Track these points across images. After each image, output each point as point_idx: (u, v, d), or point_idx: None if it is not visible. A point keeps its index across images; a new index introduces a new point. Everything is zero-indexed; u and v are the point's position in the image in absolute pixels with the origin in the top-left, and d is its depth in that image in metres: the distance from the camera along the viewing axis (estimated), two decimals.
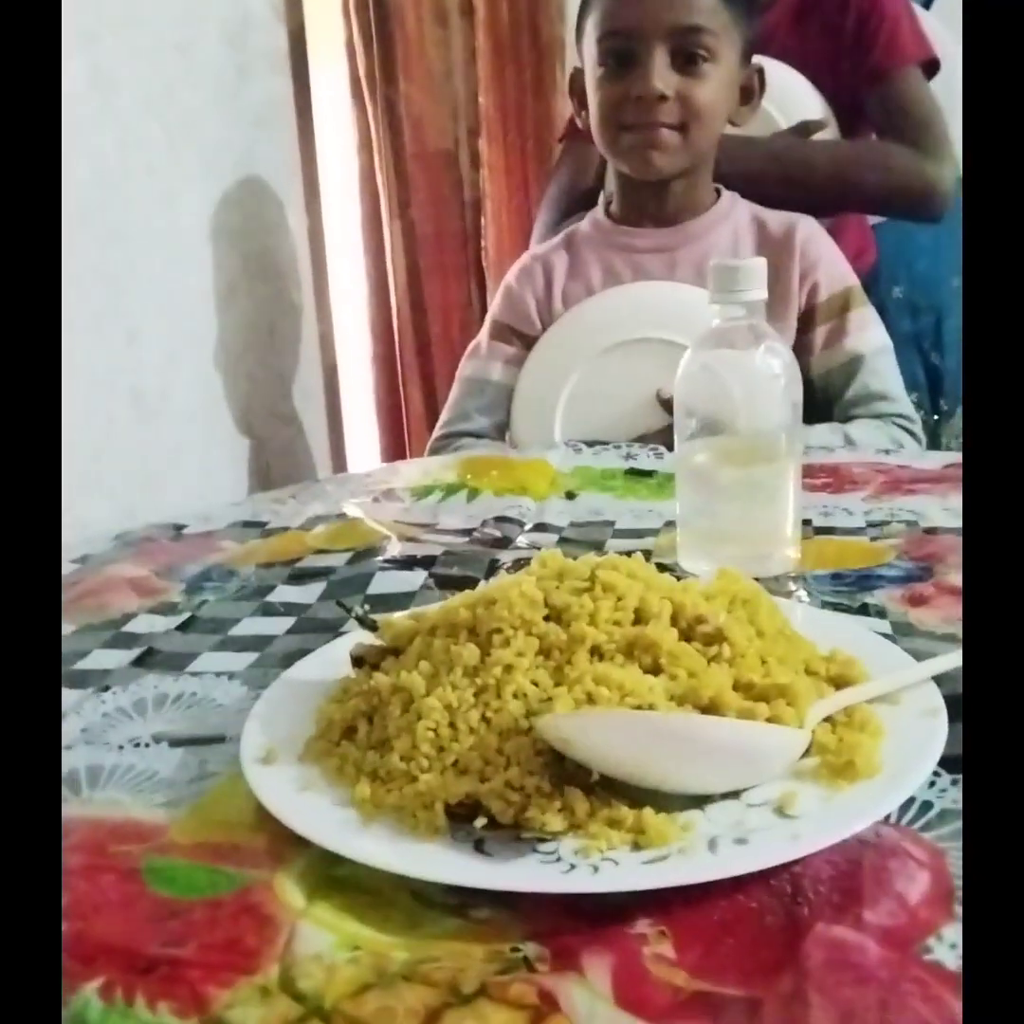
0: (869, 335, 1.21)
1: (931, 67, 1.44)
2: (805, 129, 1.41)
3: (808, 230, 1.23)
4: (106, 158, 1.52)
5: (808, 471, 0.92)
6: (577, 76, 1.27)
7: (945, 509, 0.83)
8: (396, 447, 2.39)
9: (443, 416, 1.33)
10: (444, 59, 2.30)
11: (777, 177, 1.32)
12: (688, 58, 1.14)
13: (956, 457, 1.03)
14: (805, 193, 1.33)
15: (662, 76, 1.14)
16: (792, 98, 1.43)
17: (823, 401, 1.20)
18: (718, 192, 1.27)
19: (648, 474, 1.03)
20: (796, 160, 1.36)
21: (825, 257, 1.23)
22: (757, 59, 1.25)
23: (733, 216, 1.25)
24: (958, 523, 0.80)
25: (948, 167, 1.39)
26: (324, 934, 0.39)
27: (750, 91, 1.23)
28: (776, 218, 1.25)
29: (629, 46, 1.15)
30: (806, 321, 1.22)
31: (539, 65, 2.35)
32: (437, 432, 1.32)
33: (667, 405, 1.11)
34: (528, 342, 1.28)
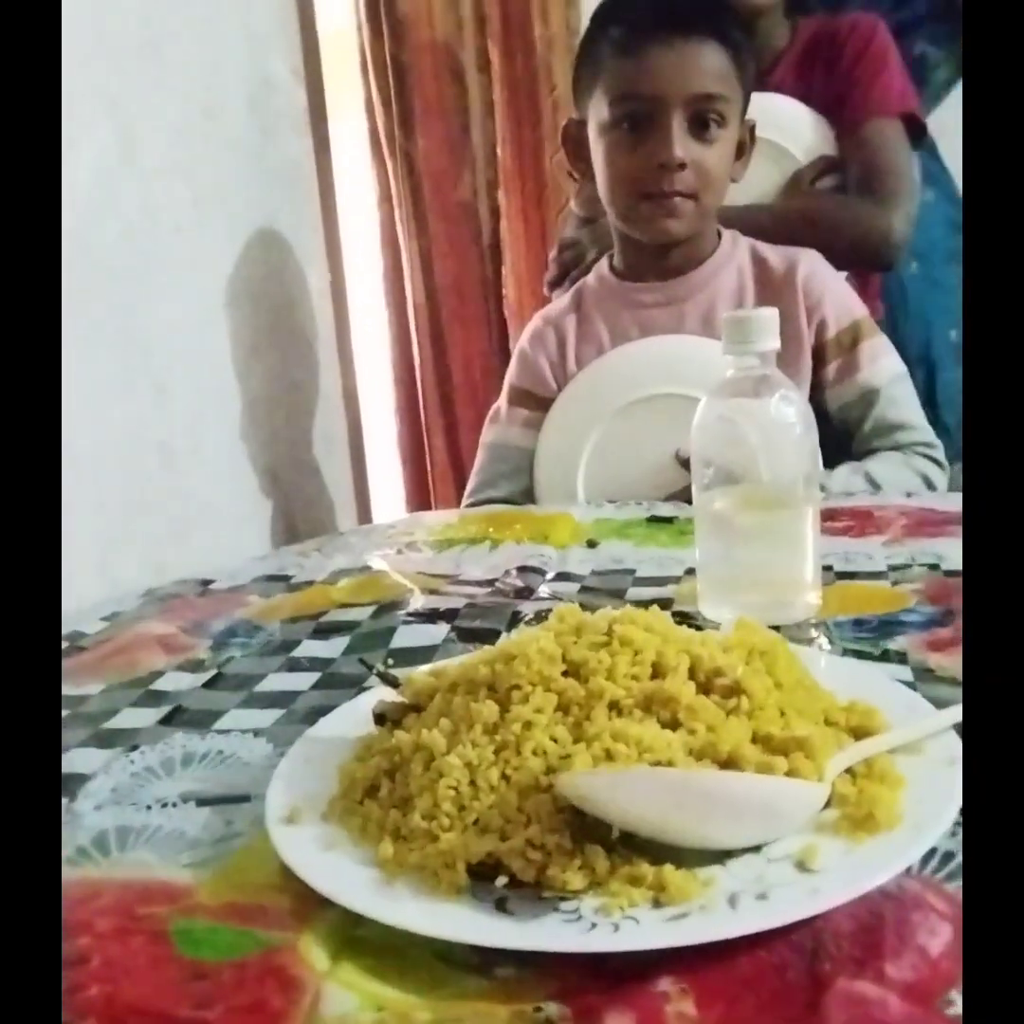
0: (881, 366, 1.21)
1: (915, 125, 1.45)
2: (826, 163, 1.43)
3: (810, 266, 1.23)
4: (133, 219, 1.56)
5: (829, 515, 0.92)
6: (571, 128, 1.27)
7: None
8: (421, 496, 2.41)
9: (470, 484, 1.34)
10: (462, 114, 2.34)
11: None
12: (702, 124, 1.15)
13: None
14: None
15: (682, 143, 1.14)
16: (806, 134, 1.44)
17: (842, 434, 1.21)
18: (718, 233, 1.27)
19: (668, 520, 1.04)
20: (753, 222, 1.35)
21: (830, 292, 1.23)
22: (765, 95, 1.26)
23: (735, 258, 1.26)
24: None
25: (899, 214, 1.40)
26: (349, 995, 0.39)
27: (743, 146, 1.23)
28: (777, 255, 1.25)
29: (647, 111, 1.14)
30: (817, 358, 1.22)
31: (555, 116, 2.39)
32: (466, 501, 1.33)
33: (685, 464, 1.12)
34: (545, 404, 1.29)
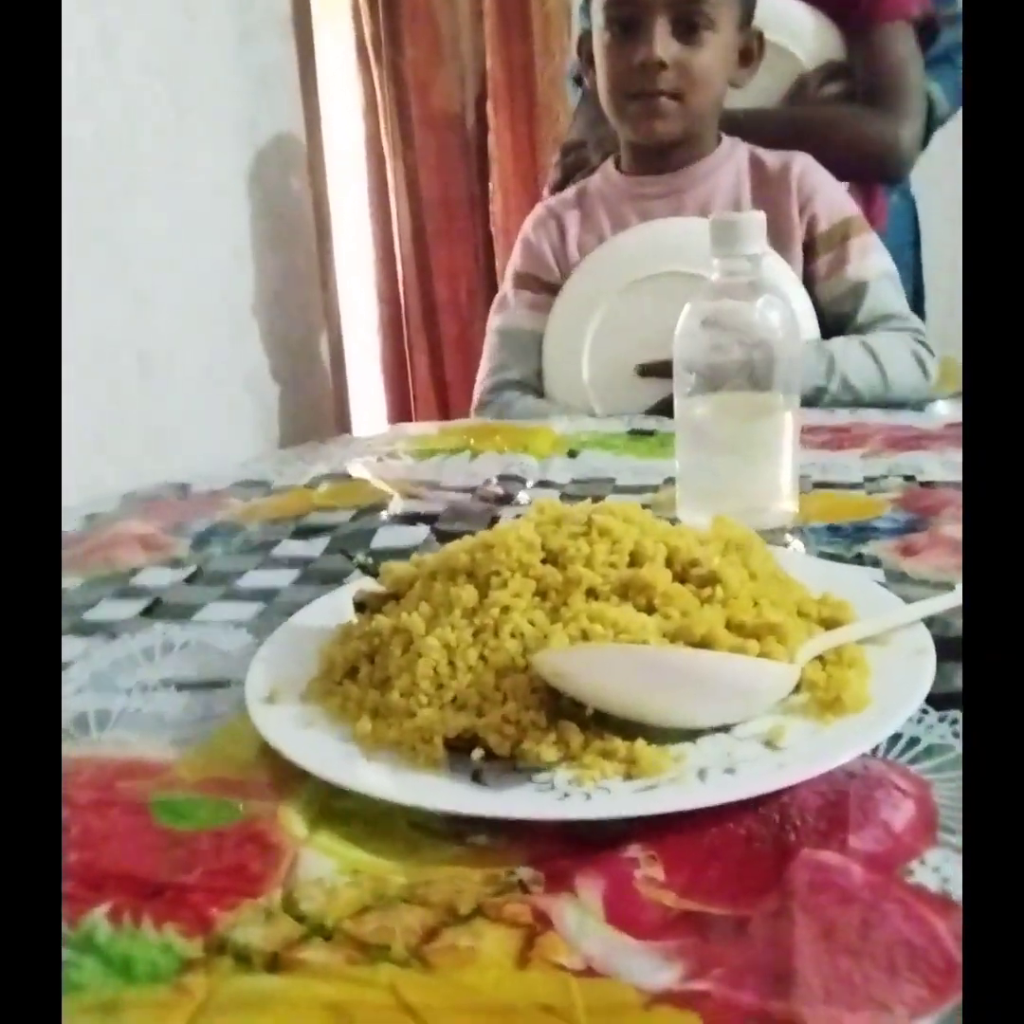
0: (870, 261, 1.24)
1: (928, 27, 1.43)
2: (833, 69, 1.41)
3: (803, 165, 1.27)
4: (113, 120, 1.53)
5: (808, 429, 0.93)
6: (585, 38, 1.30)
7: (943, 464, 0.84)
8: (403, 413, 2.40)
9: (482, 371, 1.35)
10: (450, 22, 2.29)
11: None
12: (689, 26, 1.18)
13: (956, 417, 1.04)
14: None
15: (663, 44, 1.17)
16: (812, 38, 1.43)
17: (835, 329, 1.23)
18: (719, 138, 1.30)
19: (649, 433, 1.04)
20: (755, 126, 1.35)
21: (821, 189, 1.27)
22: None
23: (734, 158, 1.29)
24: (956, 477, 0.81)
25: (910, 126, 1.40)
26: (326, 860, 0.40)
27: (750, 54, 1.26)
28: (773, 156, 1.29)
29: (633, 13, 1.18)
30: (809, 252, 1.25)
31: (546, 28, 2.34)
32: (481, 387, 1.34)
33: (644, 373, 1.13)
34: (550, 288, 1.32)
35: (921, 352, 1.21)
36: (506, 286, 1.36)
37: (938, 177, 1.65)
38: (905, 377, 1.18)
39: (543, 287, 1.32)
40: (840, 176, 1.31)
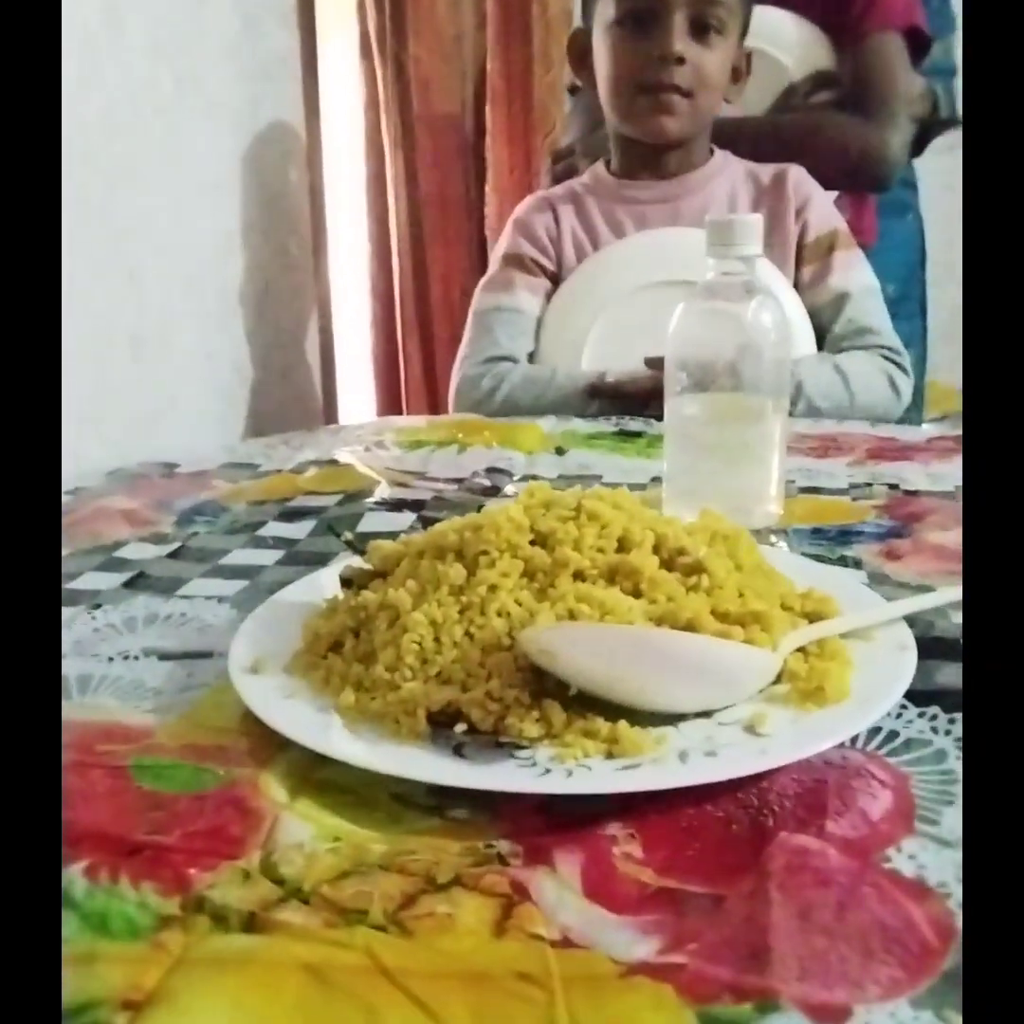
0: (854, 274, 1.25)
1: (919, 40, 1.44)
2: (822, 78, 1.42)
3: (798, 174, 1.28)
4: (114, 99, 1.52)
5: (795, 438, 0.93)
6: (578, 36, 1.30)
7: (928, 475, 0.85)
8: (393, 407, 2.40)
9: (467, 347, 1.29)
10: (454, 22, 2.29)
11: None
12: (702, 27, 1.19)
13: (941, 430, 1.05)
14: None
15: (681, 39, 1.18)
16: (801, 48, 1.44)
17: (815, 337, 1.23)
18: (712, 151, 1.31)
19: (636, 434, 1.05)
20: (743, 133, 1.36)
21: (814, 198, 1.28)
22: (761, 8, 1.28)
23: (728, 170, 1.30)
24: (941, 487, 0.81)
25: (896, 133, 1.41)
26: (306, 826, 0.40)
27: (739, 71, 1.26)
28: (767, 169, 1.29)
29: (650, 7, 1.18)
30: (796, 261, 1.26)
31: (546, 36, 2.35)
32: (467, 362, 1.27)
33: (651, 365, 1.12)
34: (546, 274, 1.30)
35: (893, 372, 1.20)
36: (496, 267, 1.33)
37: (946, 198, 1.68)
38: (874, 398, 1.17)
39: (540, 271, 1.30)
40: (827, 184, 1.32)
